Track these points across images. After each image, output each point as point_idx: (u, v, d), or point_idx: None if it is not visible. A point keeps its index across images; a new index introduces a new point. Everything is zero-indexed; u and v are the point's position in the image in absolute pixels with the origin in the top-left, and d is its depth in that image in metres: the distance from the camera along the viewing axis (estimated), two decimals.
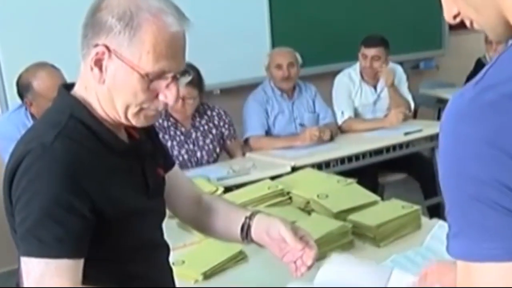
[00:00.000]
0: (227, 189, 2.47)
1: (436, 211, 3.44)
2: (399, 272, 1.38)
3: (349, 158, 3.32)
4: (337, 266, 1.42)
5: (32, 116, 2.80)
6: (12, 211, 1.12)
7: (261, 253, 1.57)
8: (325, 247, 1.67)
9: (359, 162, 3.37)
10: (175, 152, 3.07)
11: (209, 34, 3.74)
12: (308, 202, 2.12)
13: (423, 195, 3.68)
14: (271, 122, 3.55)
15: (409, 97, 3.92)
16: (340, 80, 3.86)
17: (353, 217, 1.91)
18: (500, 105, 0.65)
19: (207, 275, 1.70)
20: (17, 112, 2.91)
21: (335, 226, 1.82)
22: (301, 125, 3.57)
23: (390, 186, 3.78)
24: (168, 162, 1.42)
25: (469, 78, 3.52)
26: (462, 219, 0.68)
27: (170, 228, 1.51)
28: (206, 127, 3.20)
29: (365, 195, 2.13)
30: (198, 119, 3.20)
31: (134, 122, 1.17)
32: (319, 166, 3.11)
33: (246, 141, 3.50)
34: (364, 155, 3.39)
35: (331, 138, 3.46)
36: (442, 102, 4.66)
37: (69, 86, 1.22)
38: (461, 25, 0.80)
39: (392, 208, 1.97)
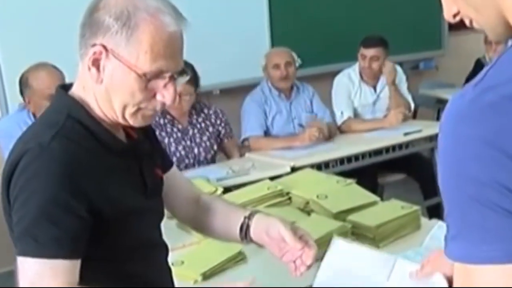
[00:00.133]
0: (227, 190, 2.47)
1: (435, 212, 3.43)
2: (403, 260, 1.39)
3: (349, 159, 3.31)
4: (341, 254, 1.42)
5: (34, 116, 2.82)
6: (10, 210, 1.11)
7: (261, 254, 1.57)
8: (325, 247, 1.66)
9: (359, 162, 3.36)
10: (172, 149, 3.07)
11: (209, 34, 3.75)
12: (307, 203, 2.12)
13: (422, 195, 3.67)
14: (269, 122, 3.54)
15: (409, 98, 3.92)
16: (340, 81, 3.85)
17: (353, 217, 1.91)
18: (500, 106, 0.65)
19: (206, 276, 1.70)
20: (20, 112, 2.95)
21: (334, 226, 1.82)
22: (300, 125, 3.56)
23: (390, 186, 3.78)
24: (166, 163, 1.41)
25: (468, 78, 3.53)
26: (462, 220, 0.68)
27: (169, 228, 1.51)
28: (203, 124, 3.21)
29: (365, 195, 2.13)
30: (195, 116, 3.20)
31: (131, 122, 1.17)
32: (318, 166, 3.11)
33: (244, 141, 3.49)
34: (363, 155, 3.38)
35: (330, 138, 3.46)
36: (441, 102, 4.65)
37: (67, 87, 1.22)
38: (461, 24, 0.79)
39: (391, 209, 1.97)
